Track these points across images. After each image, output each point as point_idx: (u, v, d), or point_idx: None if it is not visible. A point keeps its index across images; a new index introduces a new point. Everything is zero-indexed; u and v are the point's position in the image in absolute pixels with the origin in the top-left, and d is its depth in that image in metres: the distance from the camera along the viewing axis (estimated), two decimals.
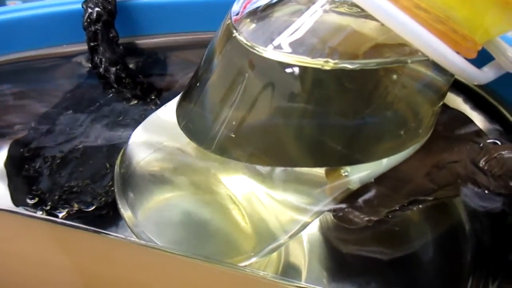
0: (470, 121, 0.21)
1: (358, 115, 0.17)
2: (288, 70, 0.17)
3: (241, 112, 0.18)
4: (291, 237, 0.20)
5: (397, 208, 0.20)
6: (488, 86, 0.23)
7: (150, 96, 0.28)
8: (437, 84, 0.18)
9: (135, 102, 0.28)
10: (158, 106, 0.24)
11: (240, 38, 0.18)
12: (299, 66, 0.16)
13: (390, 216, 0.21)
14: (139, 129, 0.23)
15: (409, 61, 0.17)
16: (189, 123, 0.20)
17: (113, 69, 0.27)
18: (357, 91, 0.17)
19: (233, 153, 0.19)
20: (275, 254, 0.23)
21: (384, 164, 0.19)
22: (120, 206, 0.21)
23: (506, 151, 0.18)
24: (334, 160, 0.18)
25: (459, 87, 0.24)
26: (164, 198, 0.21)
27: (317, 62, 0.16)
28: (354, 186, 0.19)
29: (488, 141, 0.19)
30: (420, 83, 0.18)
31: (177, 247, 0.20)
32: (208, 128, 0.19)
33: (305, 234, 0.24)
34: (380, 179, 0.20)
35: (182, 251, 0.18)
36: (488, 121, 0.22)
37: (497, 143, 0.19)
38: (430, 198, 0.19)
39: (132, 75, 0.28)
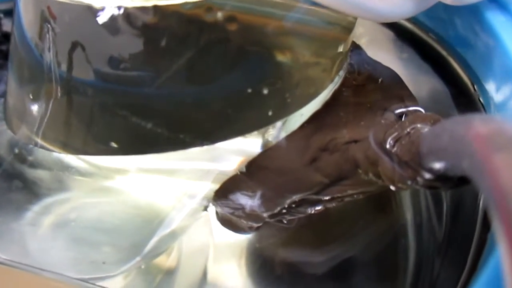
0: (397, 83, 0.14)
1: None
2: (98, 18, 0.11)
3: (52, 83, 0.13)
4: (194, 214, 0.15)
5: (284, 211, 0.14)
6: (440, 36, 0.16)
7: None
8: (312, 19, 0.12)
9: None
10: None
11: None
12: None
13: (285, 222, 0.15)
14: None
15: None
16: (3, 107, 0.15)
17: None
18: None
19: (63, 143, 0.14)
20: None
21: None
22: None
23: (423, 124, 0.11)
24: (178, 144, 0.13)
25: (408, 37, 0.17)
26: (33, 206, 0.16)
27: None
28: None
29: (409, 109, 0.12)
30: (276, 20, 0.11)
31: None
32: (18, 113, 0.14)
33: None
34: (254, 171, 0.13)
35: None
36: (438, 83, 0.16)
37: (419, 112, 0.12)
38: (326, 198, 0.13)
39: None
